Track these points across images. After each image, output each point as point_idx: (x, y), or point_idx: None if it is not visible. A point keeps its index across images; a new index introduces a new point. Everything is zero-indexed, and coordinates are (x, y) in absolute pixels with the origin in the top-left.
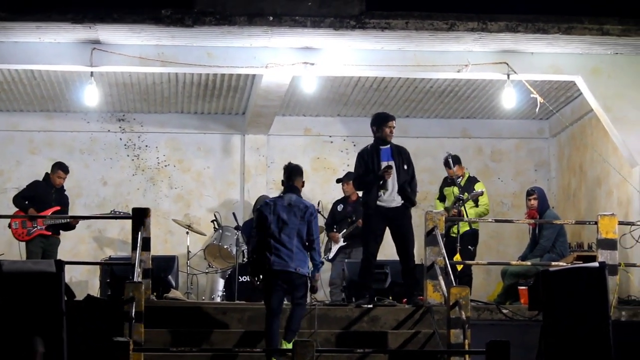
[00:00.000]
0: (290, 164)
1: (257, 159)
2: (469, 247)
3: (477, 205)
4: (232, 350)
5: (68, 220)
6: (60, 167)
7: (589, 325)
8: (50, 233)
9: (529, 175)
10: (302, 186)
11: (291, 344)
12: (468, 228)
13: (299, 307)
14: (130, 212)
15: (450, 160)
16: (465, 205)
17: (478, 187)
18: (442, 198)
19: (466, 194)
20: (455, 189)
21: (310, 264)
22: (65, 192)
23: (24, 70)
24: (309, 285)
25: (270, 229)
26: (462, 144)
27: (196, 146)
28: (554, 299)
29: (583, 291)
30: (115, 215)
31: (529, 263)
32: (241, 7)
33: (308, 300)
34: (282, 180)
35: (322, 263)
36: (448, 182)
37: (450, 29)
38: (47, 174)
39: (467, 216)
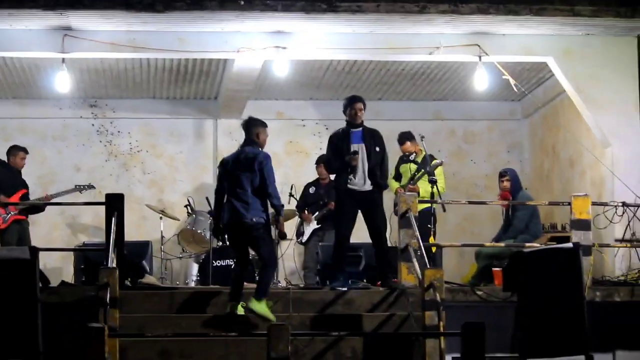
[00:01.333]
0: (248, 117)
1: (230, 144)
2: (428, 225)
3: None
4: (207, 334)
5: (41, 201)
6: (20, 149)
7: (564, 306)
8: (24, 217)
9: (501, 156)
10: (261, 138)
11: (262, 304)
12: (425, 206)
13: (266, 268)
14: (104, 198)
15: (403, 136)
16: (420, 182)
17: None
18: (397, 177)
19: (422, 170)
20: (412, 166)
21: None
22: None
23: None
24: (277, 232)
25: (226, 185)
26: (434, 126)
27: (169, 131)
28: (528, 280)
29: (557, 272)
30: (89, 202)
31: (502, 244)
32: None
33: (283, 284)
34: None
35: (283, 206)
36: (404, 159)
37: (422, 12)
38: (1, 160)
39: (440, 194)
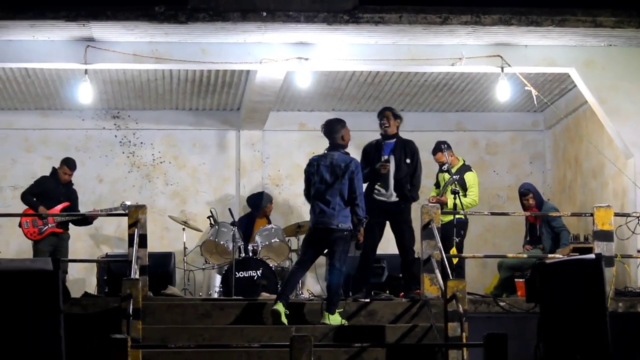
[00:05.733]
0: (327, 120)
1: (252, 155)
2: (454, 238)
3: (465, 195)
4: (230, 345)
5: (83, 215)
6: (66, 163)
7: (586, 317)
8: (61, 230)
9: (524, 167)
10: (346, 139)
11: (336, 315)
12: (451, 218)
13: (334, 272)
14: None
15: (435, 147)
16: (448, 193)
17: (467, 177)
18: (437, 185)
19: (451, 181)
20: (446, 175)
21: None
22: (74, 187)
23: (18, 69)
24: (354, 240)
25: (314, 189)
26: (457, 137)
27: (191, 142)
28: (551, 291)
29: (580, 283)
30: (111, 213)
31: (525, 255)
32: (234, 3)
33: (306, 295)
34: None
35: (367, 218)
36: (440, 169)
37: (444, 23)
38: (54, 168)
39: (462, 205)
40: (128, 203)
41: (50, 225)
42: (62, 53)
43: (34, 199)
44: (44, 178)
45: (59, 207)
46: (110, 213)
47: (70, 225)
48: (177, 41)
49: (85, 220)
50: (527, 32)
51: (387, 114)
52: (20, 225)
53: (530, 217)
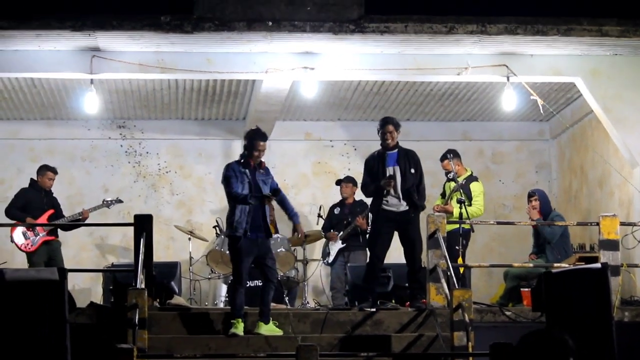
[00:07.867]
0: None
1: None
2: (456, 247)
3: (470, 205)
4: (236, 355)
5: (75, 219)
6: (49, 169)
7: (592, 326)
8: (53, 238)
9: (530, 177)
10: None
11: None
12: (455, 227)
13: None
14: (132, 219)
15: (443, 155)
16: (453, 202)
17: (473, 186)
18: (443, 194)
19: (455, 191)
20: (452, 184)
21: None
22: (53, 194)
23: (24, 79)
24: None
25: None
26: (463, 147)
27: (197, 152)
28: (556, 300)
29: (586, 292)
30: (117, 223)
31: (531, 265)
32: (240, 12)
33: (312, 304)
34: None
35: (238, 195)
36: (448, 178)
37: (450, 32)
38: (32, 179)
39: (468, 214)
40: (109, 199)
41: (41, 235)
42: (67, 63)
43: (19, 212)
44: (23, 190)
45: (45, 215)
46: (96, 207)
47: (61, 232)
48: (183, 51)
49: (77, 223)
50: (532, 41)
51: (389, 129)
52: (12, 241)
53: (535, 225)
